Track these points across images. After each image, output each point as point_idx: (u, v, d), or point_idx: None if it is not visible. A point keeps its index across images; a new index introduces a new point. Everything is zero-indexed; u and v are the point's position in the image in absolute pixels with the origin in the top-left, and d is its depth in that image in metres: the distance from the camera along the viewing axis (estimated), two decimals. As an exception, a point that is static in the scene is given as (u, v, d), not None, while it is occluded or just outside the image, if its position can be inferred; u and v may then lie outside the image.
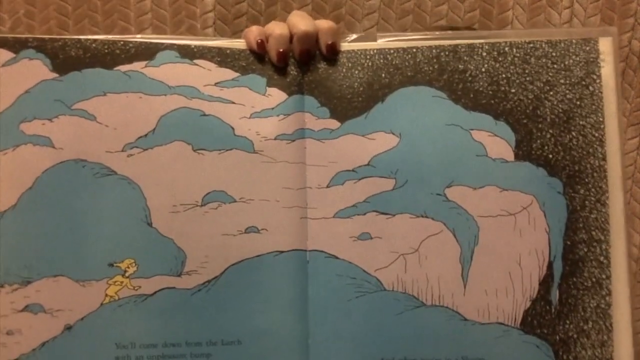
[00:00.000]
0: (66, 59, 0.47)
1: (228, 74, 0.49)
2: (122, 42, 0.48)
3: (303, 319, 0.46)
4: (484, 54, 0.46)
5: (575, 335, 0.43)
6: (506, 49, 0.46)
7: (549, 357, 0.43)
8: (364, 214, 0.45)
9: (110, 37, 0.48)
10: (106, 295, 0.46)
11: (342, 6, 0.91)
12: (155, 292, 0.47)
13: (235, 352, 0.46)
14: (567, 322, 0.43)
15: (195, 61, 0.49)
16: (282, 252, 0.46)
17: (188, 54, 0.49)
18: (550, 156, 0.44)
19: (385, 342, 0.45)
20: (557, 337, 0.43)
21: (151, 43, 0.48)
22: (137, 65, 0.48)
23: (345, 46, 0.49)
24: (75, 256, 0.46)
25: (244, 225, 0.47)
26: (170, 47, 0.49)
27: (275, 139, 0.47)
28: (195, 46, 0.49)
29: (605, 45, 0.46)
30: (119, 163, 0.47)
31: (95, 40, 0.48)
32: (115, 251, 0.46)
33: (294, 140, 0.47)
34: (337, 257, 0.46)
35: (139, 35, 0.50)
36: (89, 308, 0.46)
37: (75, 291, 0.46)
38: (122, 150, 0.47)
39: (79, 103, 0.48)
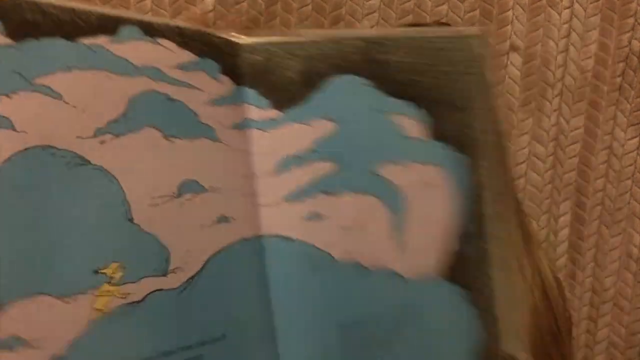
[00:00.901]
0: (22, 23, 0.40)
1: (188, 56, 0.46)
2: (83, 11, 0.43)
3: (269, 303, 0.46)
4: (403, 46, 0.50)
5: (488, 282, 0.49)
6: (423, 43, 0.50)
7: (474, 305, 0.49)
8: (312, 195, 0.47)
9: (69, 3, 0.42)
10: (95, 309, 0.40)
11: (342, 6, 0.91)
12: (144, 297, 0.43)
13: (223, 349, 0.45)
14: (482, 271, 0.49)
15: (158, 40, 0.45)
16: (247, 239, 0.46)
17: (150, 31, 0.45)
18: (458, 136, 0.50)
19: (340, 310, 0.48)
20: (477, 286, 0.49)
21: (113, 15, 0.44)
22: (101, 40, 0.43)
23: (281, 38, 0.49)
24: (54, 266, 0.39)
25: (215, 215, 0.45)
26: (133, 21, 0.44)
27: (232, 127, 0.47)
28: (157, 24, 0.45)
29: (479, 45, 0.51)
30: (91, 151, 0.41)
31: (54, 6, 0.41)
32: (98, 255, 0.41)
33: (243, 129, 0.47)
34: (292, 239, 0.47)
35: (98, 8, 0.44)
36: (78, 329, 0.40)
37: (58, 311, 0.39)
38: (94, 136, 0.42)
39: (41, 78, 0.41)
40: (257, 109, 0.47)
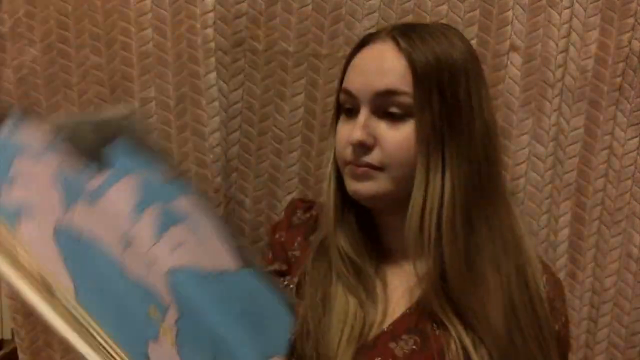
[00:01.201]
0: None
1: (48, 134, 0.53)
2: None
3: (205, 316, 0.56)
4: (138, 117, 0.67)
5: (255, 258, 0.67)
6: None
7: (265, 280, 0.64)
8: (164, 231, 0.56)
9: None
10: (171, 345, 0.49)
11: (342, 6, 0.90)
12: (177, 331, 0.50)
13: None
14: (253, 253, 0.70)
15: (29, 123, 0.53)
16: (170, 273, 0.54)
17: (23, 116, 0.52)
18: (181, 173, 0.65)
19: (230, 307, 0.58)
20: (253, 263, 0.64)
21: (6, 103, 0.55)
22: (12, 125, 0.52)
23: (78, 117, 0.61)
24: (131, 317, 0.48)
25: (144, 260, 0.53)
26: (14, 108, 0.54)
27: (95, 192, 0.55)
28: (21, 111, 0.54)
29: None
30: (72, 223, 0.50)
31: None
32: (138, 302, 0.49)
33: (100, 193, 0.55)
34: (178, 268, 0.55)
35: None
36: None
37: (161, 352, 0.49)
38: (66, 212, 0.50)
39: (16, 159, 0.51)
40: (95, 175, 0.55)
